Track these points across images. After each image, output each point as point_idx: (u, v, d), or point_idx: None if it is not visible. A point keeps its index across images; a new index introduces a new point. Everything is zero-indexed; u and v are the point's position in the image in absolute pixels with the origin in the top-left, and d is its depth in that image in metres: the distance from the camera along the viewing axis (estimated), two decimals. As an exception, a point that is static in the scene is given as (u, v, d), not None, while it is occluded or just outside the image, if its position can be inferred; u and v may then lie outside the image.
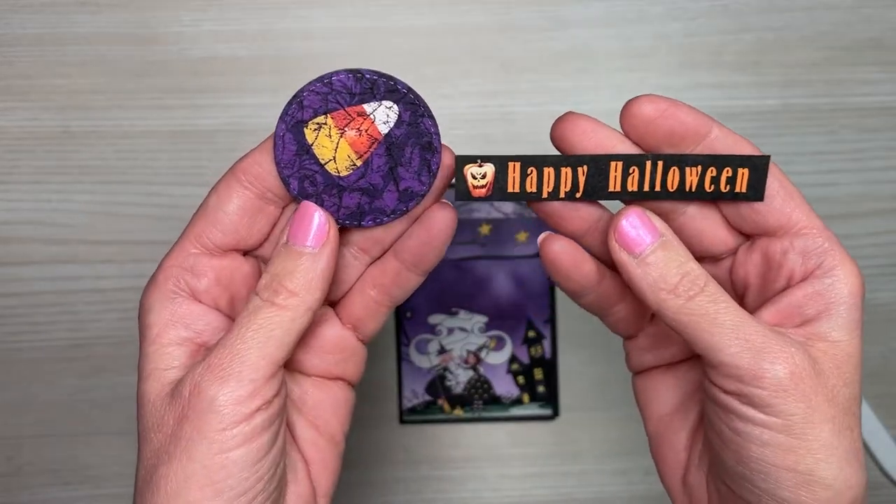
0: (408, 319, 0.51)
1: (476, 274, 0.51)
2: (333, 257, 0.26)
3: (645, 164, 0.27)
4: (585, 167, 0.27)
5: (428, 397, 0.51)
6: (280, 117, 0.27)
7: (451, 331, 0.51)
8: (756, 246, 0.27)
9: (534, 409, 0.51)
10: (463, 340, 0.51)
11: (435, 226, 0.27)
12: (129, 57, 0.50)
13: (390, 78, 0.27)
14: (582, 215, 0.28)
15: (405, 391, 0.51)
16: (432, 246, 0.28)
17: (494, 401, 0.51)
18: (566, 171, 0.27)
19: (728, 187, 0.27)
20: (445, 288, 0.51)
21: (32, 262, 0.50)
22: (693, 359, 0.29)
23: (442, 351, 0.51)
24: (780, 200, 0.27)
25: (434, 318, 0.51)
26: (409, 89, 0.27)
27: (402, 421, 0.51)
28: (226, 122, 0.50)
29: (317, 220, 0.26)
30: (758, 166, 0.26)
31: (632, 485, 0.52)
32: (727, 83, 0.50)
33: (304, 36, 0.50)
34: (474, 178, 0.26)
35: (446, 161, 0.27)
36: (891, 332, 0.52)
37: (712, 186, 0.27)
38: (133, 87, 0.50)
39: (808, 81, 0.51)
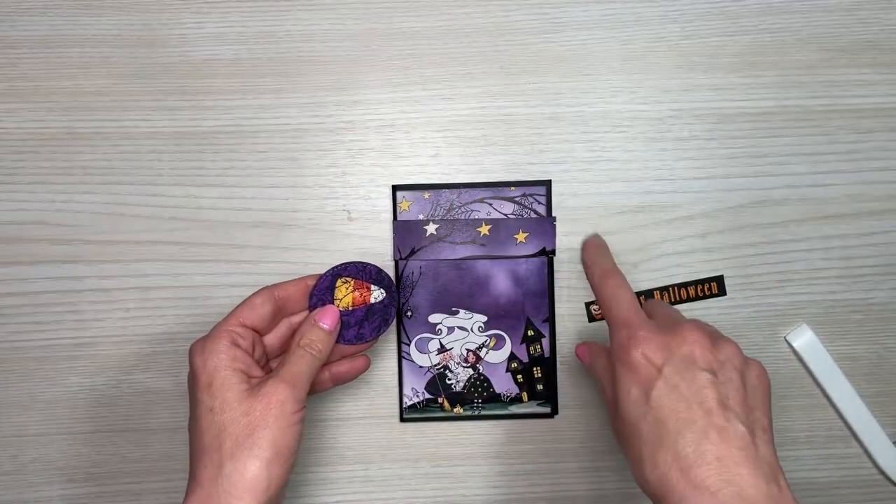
0: (408, 318, 0.51)
1: (476, 274, 0.51)
2: (335, 338, 0.45)
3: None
4: None
5: (428, 395, 0.51)
6: (332, 267, 0.47)
7: (450, 330, 0.51)
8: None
9: (533, 407, 0.52)
10: (463, 339, 0.51)
11: (356, 367, 0.47)
12: (132, 59, 0.51)
13: (392, 281, 0.47)
14: None
15: (406, 389, 0.51)
16: (349, 377, 0.47)
17: (494, 399, 0.51)
18: None
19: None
20: (445, 287, 0.51)
21: (37, 261, 0.50)
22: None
23: (442, 350, 0.51)
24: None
25: (434, 318, 0.51)
26: (397, 291, 0.49)
27: (402, 419, 0.52)
28: (228, 124, 0.51)
29: (334, 315, 0.45)
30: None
31: (630, 481, 0.52)
32: (724, 85, 0.51)
33: (305, 38, 0.51)
34: None
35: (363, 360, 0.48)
36: (886, 332, 0.52)
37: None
38: (136, 89, 0.51)
39: (803, 83, 0.51)
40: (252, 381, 0.41)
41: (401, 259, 0.51)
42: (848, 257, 0.51)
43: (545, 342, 0.51)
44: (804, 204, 0.51)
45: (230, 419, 0.39)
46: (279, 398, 0.40)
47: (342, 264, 0.47)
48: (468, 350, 0.51)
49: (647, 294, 0.51)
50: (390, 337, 0.51)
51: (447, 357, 0.51)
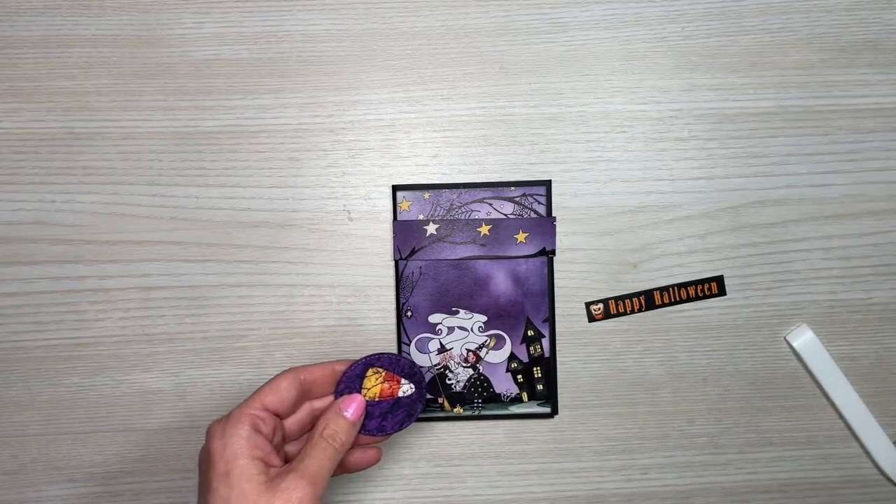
0: (408, 319, 0.51)
1: (476, 274, 0.51)
2: (358, 429, 0.44)
3: None
4: None
5: (428, 395, 0.51)
6: (366, 356, 0.45)
7: (451, 330, 0.51)
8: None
9: (533, 407, 0.52)
10: (463, 339, 0.51)
11: (367, 458, 0.46)
12: (132, 59, 0.51)
13: (422, 376, 0.46)
14: None
15: (405, 389, 0.51)
16: (357, 467, 0.46)
17: (494, 399, 0.51)
18: None
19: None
20: (445, 288, 0.51)
21: (37, 261, 0.50)
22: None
23: (442, 350, 0.51)
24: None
25: (434, 318, 0.51)
26: (426, 386, 0.49)
27: (402, 419, 0.52)
28: (228, 124, 0.51)
29: (359, 405, 0.43)
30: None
31: (630, 482, 0.52)
32: (724, 85, 0.51)
33: (305, 38, 0.51)
34: None
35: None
36: (885, 332, 0.52)
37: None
38: (137, 89, 0.51)
39: (804, 83, 0.51)
40: (271, 471, 0.39)
41: (401, 259, 0.51)
42: (848, 257, 0.51)
43: (545, 342, 0.51)
44: (804, 204, 0.51)
45: None
46: (298, 495, 0.38)
47: (376, 354, 0.45)
48: (468, 350, 0.51)
49: (647, 294, 0.51)
50: (390, 337, 0.51)
51: (447, 357, 0.51)
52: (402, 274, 0.51)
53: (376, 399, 0.45)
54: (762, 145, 0.51)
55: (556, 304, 0.51)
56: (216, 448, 0.39)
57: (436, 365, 0.51)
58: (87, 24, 0.51)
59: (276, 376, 0.43)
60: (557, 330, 0.51)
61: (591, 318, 0.52)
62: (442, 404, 0.51)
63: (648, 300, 0.51)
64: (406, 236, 0.51)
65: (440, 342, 0.51)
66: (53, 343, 0.51)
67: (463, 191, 0.51)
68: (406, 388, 0.45)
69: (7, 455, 0.51)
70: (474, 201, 0.51)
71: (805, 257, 0.51)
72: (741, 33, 0.51)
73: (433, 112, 0.51)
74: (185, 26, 0.51)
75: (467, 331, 0.51)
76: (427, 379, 0.51)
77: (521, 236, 0.51)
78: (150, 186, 0.51)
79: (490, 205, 0.51)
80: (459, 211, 0.51)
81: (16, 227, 0.50)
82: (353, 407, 0.43)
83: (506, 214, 0.51)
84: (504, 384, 0.51)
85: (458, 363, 0.51)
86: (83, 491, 0.52)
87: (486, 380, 0.51)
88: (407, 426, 0.45)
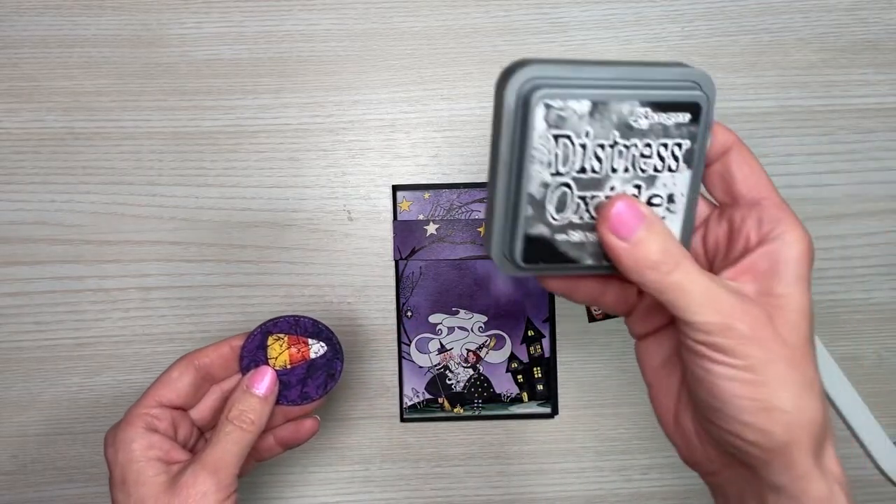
0: (408, 319, 0.51)
1: (476, 274, 0.51)
2: (273, 403, 0.40)
3: None
4: None
5: (428, 395, 0.51)
6: (260, 324, 0.42)
7: (451, 330, 0.51)
8: (724, 215, 0.32)
9: (533, 408, 0.52)
10: (463, 339, 0.51)
11: (303, 430, 0.43)
12: (132, 59, 0.51)
13: (331, 331, 0.43)
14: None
15: (406, 389, 0.51)
16: (296, 441, 0.43)
17: (494, 399, 0.51)
18: None
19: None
20: (445, 288, 0.51)
21: (37, 261, 0.50)
22: (672, 325, 0.34)
23: (442, 350, 0.51)
24: (746, 173, 0.32)
25: (434, 318, 0.51)
26: (339, 342, 0.43)
27: (402, 419, 0.52)
28: (228, 124, 0.51)
29: (269, 378, 0.40)
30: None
31: (630, 482, 0.52)
32: (724, 85, 0.51)
33: (305, 38, 0.51)
34: None
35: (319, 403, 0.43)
36: (886, 332, 0.52)
37: None
38: (137, 89, 0.51)
39: (804, 83, 0.51)
40: (172, 468, 0.37)
41: (401, 259, 0.51)
42: (848, 257, 0.51)
43: (545, 342, 0.51)
44: (804, 204, 0.51)
45: None
46: (200, 490, 0.36)
47: (271, 320, 0.42)
48: (468, 350, 0.51)
49: (648, 294, 0.51)
50: (390, 337, 0.51)
51: (447, 357, 0.51)
52: (402, 274, 0.51)
53: (288, 367, 0.42)
54: (762, 145, 0.51)
55: (557, 304, 0.51)
56: (109, 457, 0.37)
57: (436, 365, 0.51)
58: (87, 24, 0.51)
59: (168, 367, 0.40)
60: (558, 330, 0.51)
61: (592, 318, 0.52)
62: (442, 404, 0.51)
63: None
64: (406, 236, 0.51)
65: (440, 342, 0.51)
66: (53, 343, 0.51)
67: (463, 191, 0.51)
68: (317, 349, 0.42)
69: (7, 455, 0.51)
70: (474, 201, 0.51)
71: (805, 257, 0.51)
72: (741, 33, 0.51)
73: (433, 112, 0.51)
74: (185, 26, 0.51)
75: (467, 331, 0.51)
76: (428, 379, 0.51)
77: (521, 236, 0.51)
78: (150, 186, 0.51)
79: (490, 205, 0.51)
80: (459, 211, 0.51)
81: (16, 228, 0.50)
82: (262, 381, 0.40)
83: (506, 214, 0.51)
84: (504, 384, 0.51)
85: (459, 363, 0.51)
86: (83, 491, 0.52)
87: (487, 380, 0.51)
88: (332, 388, 0.43)
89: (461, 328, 0.51)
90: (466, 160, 0.51)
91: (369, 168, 0.51)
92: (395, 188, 0.51)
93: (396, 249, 0.51)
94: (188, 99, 0.50)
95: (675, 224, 0.32)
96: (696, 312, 0.29)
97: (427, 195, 0.51)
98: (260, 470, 0.51)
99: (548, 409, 0.52)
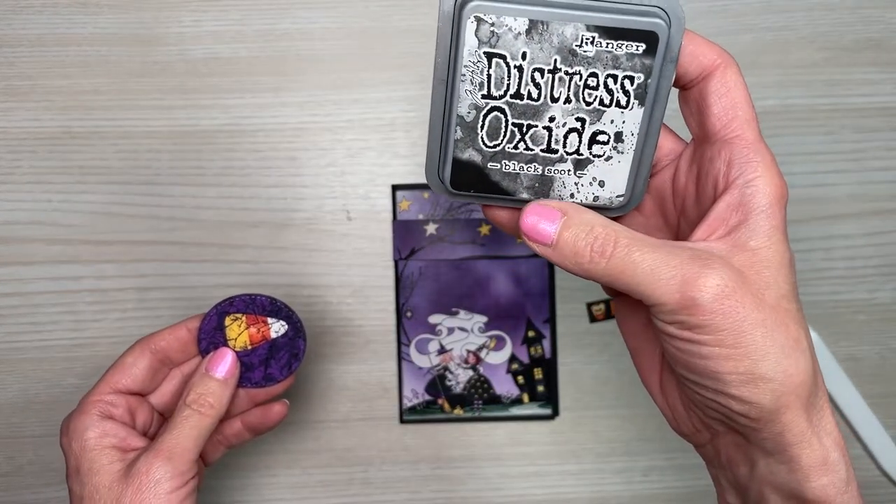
0: (408, 319, 0.51)
1: (476, 274, 0.51)
2: (235, 386, 0.39)
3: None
4: None
5: (428, 397, 0.51)
6: (215, 304, 0.41)
7: (451, 331, 0.51)
8: (696, 153, 0.30)
9: (533, 409, 0.51)
10: (463, 340, 0.51)
11: (271, 415, 0.42)
12: (130, 57, 0.50)
13: (290, 309, 0.41)
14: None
15: (405, 391, 0.51)
16: (265, 426, 0.42)
17: (494, 400, 0.51)
18: None
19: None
20: (445, 288, 0.51)
21: (34, 262, 0.50)
22: None
23: (442, 351, 0.51)
24: (723, 105, 0.28)
25: (434, 318, 0.51)
26: (299, 319, 0.41)
27: (402, 420, 0.51)
28: (226, 123, 0.50)
29: (228, 360, 0.39)
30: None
31: (631, 484, 0.52)
32: (726, 84, 0.51)
33: (304, 37, 0.50)
34: None
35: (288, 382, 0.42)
36: (888, 333, 0.52)
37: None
38: (134, 88, 0.50)
39: (806, 82, 0.51)
40: (129, 455, 0.36)
41: (401, 259, 0.50)
42: (851, 257, 0.51)
43: (546, 343, 0.51)
44: (806, 204, 0.51)
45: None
46: (154, 477, 0.34)
47: (226, 299, 0.41)
48: (468, 351, 0.51)
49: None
50: (390, 337, 0.51)
51: (447, 358, 0.51)
52: (401, 274, 0.51)
53: (249, 347, 0.40)
54: (764, 144, 0.51)
55: (557, 305, 0.51)
56: (64, 446, 0.37)
57: (436, 366, 0.51)
58: (84, 23, 0.50)
59: (123, 353, 0.40)
60: (558, 331, 0.51)
61: (593, 319, 0.51)
62: (442, 406, 0.51)
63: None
64: (406, 236, 0.50)
65: (440, 343, 0.51)
66: (50, 343, 0.51)
67: (463, 190, 0.50)
68: (277, 328, 0.41)
69: (3, 457, 0.51)
70: (474, 201, 0.50)
71: (807, 257, 0.51)
72: (743, 31, 0.51)
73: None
74: (182, 24, 0.50)
75: (467, 331, 0.51)
76: (428, 381, 0.51)
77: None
78: (147, 186, 0.50)
79: (490, 204, 0.50)
80: (459, 211, 0.50)
81: (12, 227, 0.50)
82: (221, 363, 0.39)
83: (506, 214, 0.50)
84: (504, 385, 0.51)
85: (459, 364, 0.51)
86: (80, 493, 0.51)
87: (487, 381, 0.51)
88: (296, 368, 0.41)
89: (461, 329, 0.51)
90: (466, 160, 0.51)
91: (368, 167, 0.51)
92: (395, 188, 0.50)
93: (396, 249, 0.50)
94: (186, 98, 0.50)
95: (623, 167, 0.29)
96: (650, 294, 0.27)
97: (427, 195, 0.50)
98: (259, 472, 0.51)
99: (548, 411, 0.51)
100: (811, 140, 0.51)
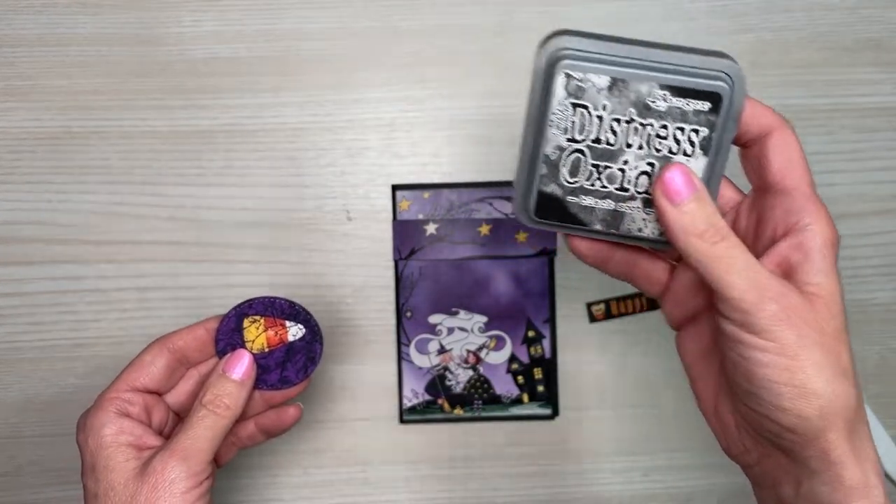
0: (408, 319, 0.51)
1: (476, 274, 0.51)
2: (251, 388, 0.40)
3: None
4: None
5: (428, 397, 0.51)
6: (235, 306, 0.41)
7: (450, 330, 0.51)
8: (755, 203, 0.33)
9: (533, 409, 0.51)
10: (463, 340, 0.51)
11: (285, 417, 0.42)
12: (130, 57, 0.50)
13: (309, 313, 0.42)
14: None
15: (405, 391, 0.51)
16: (279, 429, 0.42)
17: (494, 400, 0.51)
18: None
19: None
20: (445, 288, 0.51)
21: (34, 262, 0.50)
22: (708, 312, 0.34)
23: (442, 351, 0.51)
24: (782, 160, 0.32)
25: (434, 318, 0.51)
26: (317, 323, 0.42)
27: (402, 420, 0.51)
28: (226, 123, 0.50)
29: (245, 362, 0.40)
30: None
31: (631, 484, 0.52)
32: (726, 84, 0.51)
33: (304, 37, 0.50)
34: None
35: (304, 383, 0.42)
36: (889, 333, 0.52)
37: None
38: (134, 88, 0.50)
39: (806, 82, 0.51)
40: (144, 454, 0.36)
41: (401, 259, 0.50)
42: (851, 257, 0.51)
43: (546, 343, 0.51)
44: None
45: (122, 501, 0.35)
46: (168, 476, 0.35)
47: (246, 302, 0.41)
48: (468, 351, 0.51)
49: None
50: (390, 337, 0.51)
51: (447, 358, 0.51)
52: (401, 274, 0.51)
53: (266, 350, 0.41)
54: (765, 144, 0.51)
55: (557, 305, 0.51)
56: (80, 443, 0.37)
57: (435, 366, 0.51)
58: (85, 23, 0.50)
59: (141, 351, 0.40)
60: (558, 331, 0.51)
61: (593, 319, 0.51)
62: (441, 406, 0.51)
63: (650, 301, 0.51)
64: (406, 236, 0.50)
65: (440, 343, 0.51)
66: (50, 344, 0.51)
67: (463, 190, 0.50)
68: (295, 331, 0.41)
69: (4, 457, 0.51)
70: (474, 201, 0.50)
71: (808, 257, 0.51)
72: (743, 31, 0.51)
73: (433, 111, 0.51)
74: (183, 24, 0.50)
75: (467, 331, 0.51)
76: (428, 381, 0.51)
77: (521, 236, 0.50)
78: (147, 186, 0.50)
79: (490, 204, 0.50)
80: (459, 211, 0.50)
81: (12, 228, 0.50)
82: (238, 365, 0.39)
83: (506, 214, 0.50)
84: (504, 385, 0.51)
85: (458, 364, 0.51)
86: (80, 493, 0.51)
87: (487, 381, 0.51)
88: (312, 371, 0.42)
89: (461, 329, 0.51)
90: (466, 160, 0.51)
91: (368, 167, 0.51)
92: (395, 188, 0.50)
93: (396, 249, 0.50)
94: (186, 98, 0.50)
95: None
96: (734, 286, 0.29)
97: (427, 195, 0.50)
98: (258, 472, 0.51)
99: (548, 411, 0.51)
100: (811, 140, 0.51)
